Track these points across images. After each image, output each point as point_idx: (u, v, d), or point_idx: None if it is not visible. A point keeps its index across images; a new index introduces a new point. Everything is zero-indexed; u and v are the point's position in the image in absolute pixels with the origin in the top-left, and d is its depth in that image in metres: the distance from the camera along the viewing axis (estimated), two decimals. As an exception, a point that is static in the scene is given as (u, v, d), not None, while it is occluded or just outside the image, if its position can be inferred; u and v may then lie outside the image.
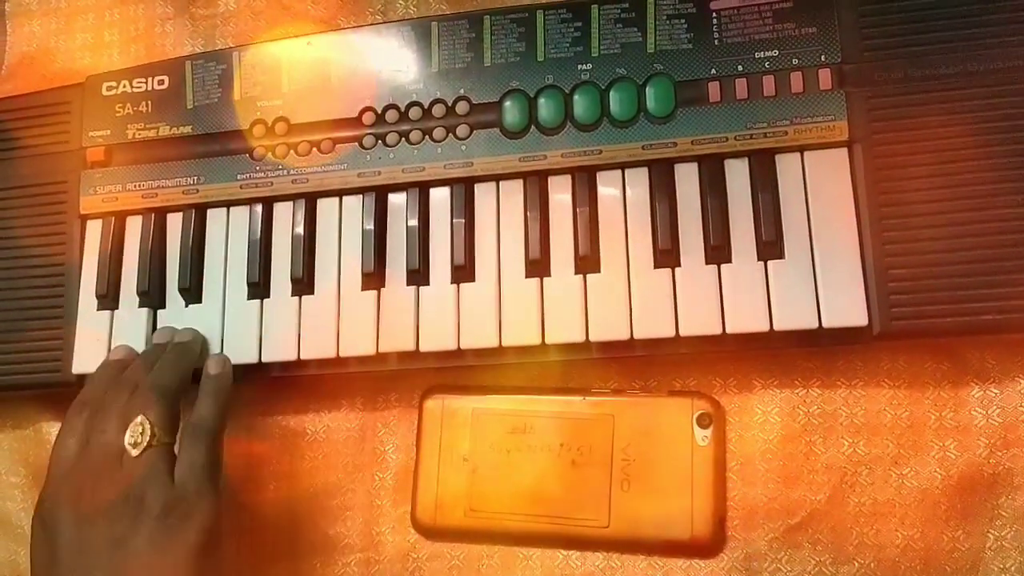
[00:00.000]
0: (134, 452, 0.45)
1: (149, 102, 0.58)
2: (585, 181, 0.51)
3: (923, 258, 0.46)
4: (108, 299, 0.56)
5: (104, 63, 0.65)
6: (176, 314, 0.55)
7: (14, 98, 0.62)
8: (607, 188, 0.51)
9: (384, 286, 0.53)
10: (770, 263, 0.48)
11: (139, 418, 0.46)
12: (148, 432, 0.45)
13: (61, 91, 0.60)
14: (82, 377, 0.56)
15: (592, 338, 0.49)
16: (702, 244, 0.49)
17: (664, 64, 0.51)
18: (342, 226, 0.54)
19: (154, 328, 0.55)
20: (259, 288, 0.54)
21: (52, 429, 0.60)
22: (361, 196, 0.54)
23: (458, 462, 0.53)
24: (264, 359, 0.53)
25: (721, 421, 0.51)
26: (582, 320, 0.49)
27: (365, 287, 0.53)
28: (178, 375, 0.50)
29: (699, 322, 0.48)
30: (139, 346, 0.54)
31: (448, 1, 0.60)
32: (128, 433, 0.46)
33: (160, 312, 0.55)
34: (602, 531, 0.51)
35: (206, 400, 0.49)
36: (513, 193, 0.52)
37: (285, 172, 0.55)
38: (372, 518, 0.54)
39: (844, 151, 0.48)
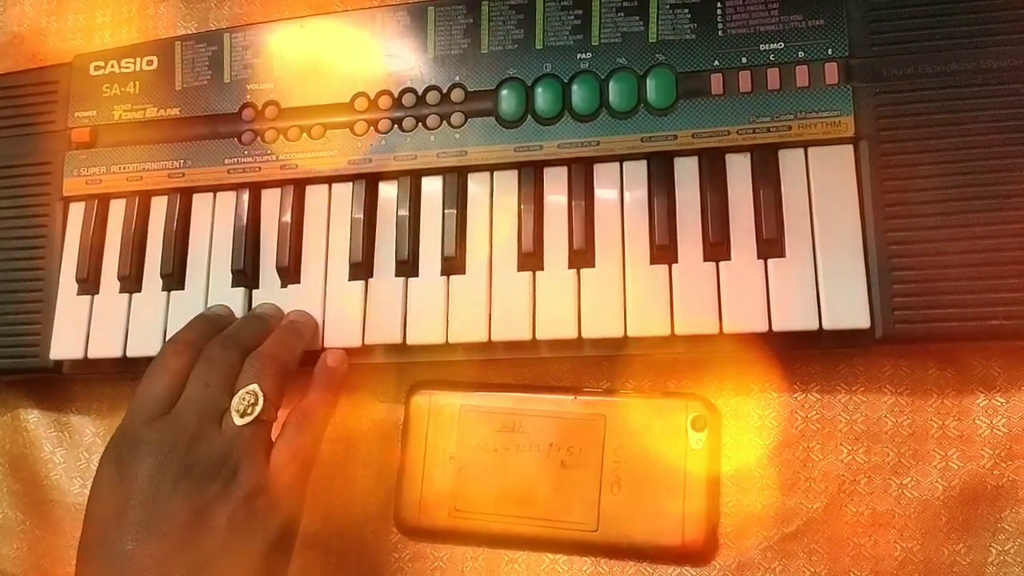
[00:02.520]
0: (239, 420, 0.42)
1: (137, 83, 0.56)
2: (581, 173, 0.49)
3: (929, 260, 0.45)
4: (89, 283, 0.54)
5: (96, 44, 0.64)
6: (158, 300, 0.53)
7: (0, 76, 0.60)
8: (604, 181, 0.49)
9: (372, 276, 0.51)
10: (770, 262, 0.46)
11: (253, 386, 0.43)
12: (260, 403, 0.42)
13: (48, 70, 0.59)
14: (60, 363, 0.54)
15: (585, 335, 0.47)
16: (700, 240, 0.47)
17: (666, 55, 0.49)
18: (331, 214, 0.53)
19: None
20: (244, 276, 0.52)
21: (29, 416, 0.59)
22: (351, 184, 0.52)
23: (444, 460, 0.51)
24: (248, 349, 0.51)
25: (716, 424, 0.49)
26: (575, 316, 0.48)
27: (352, 277, 0.51)
28: (294, 353, 0.47)
29: (696, 321, 0.46)
30: (121, 334, 0.53)
31: (446, -13, 0.59)
32: (238, 399, 0.43)
33: (141, 298, 0.54)
34: (590, 535, 0.49)
35: (320, 392, 0.47)
36: (507, 184, 0.51)
37: (274, 157, 0.53)
38: (354, 516, 0.53)
39: (850, 148, 0.47)
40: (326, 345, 0.50)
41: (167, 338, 0.52)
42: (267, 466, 0.42)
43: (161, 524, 0.40)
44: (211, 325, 0.48)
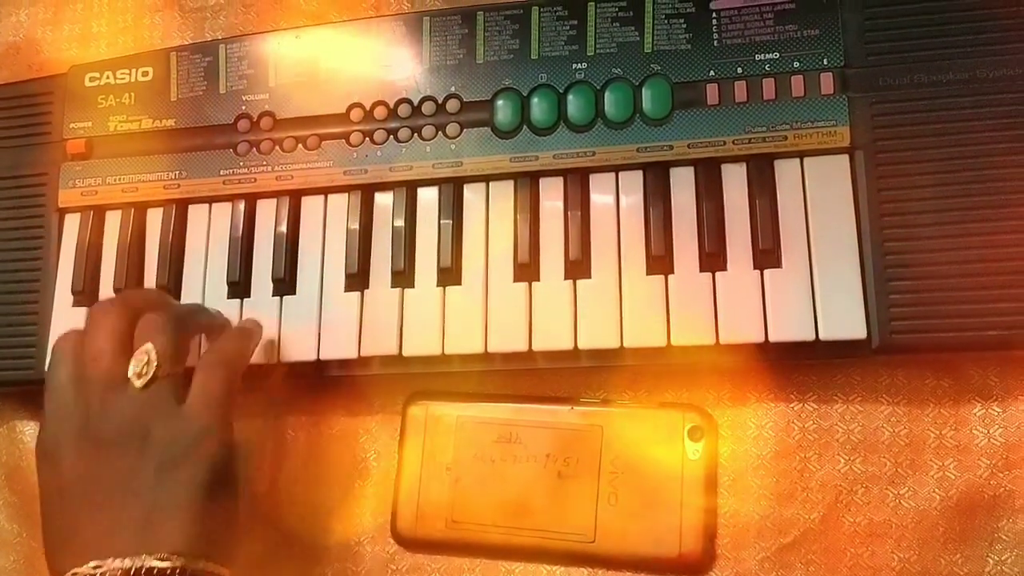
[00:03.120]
0: (138, 383, 0.42)
1: (132, 94, 0.56)
2: (577, 183, 0.49)
3: (925, 270, 0.45)
4: (84, 295, 0.54)
5: (92, 54, 0.64)
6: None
7: (-4, 87, 0.60)
8: (600, 191, 0.49)
9: (368, 288, 0.51)
10: (767, 272, 0.46)
11: (144, 347, 0.43)
12: (154, 362, 0.42)
13: (43, 81, 0.59)
14: (55, 375, 0.54)
15: (581, 346, 0.47)
16: (697, 251, 0.47)
17: (661, 65, 0.49)
18: (327, 225, 0.53)
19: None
20: (239, 287, 0.52)
21: (26, 428, 0.59)
22: (347, 195, 0.52)
23: (441, 471, 0.51)
24: (242, 360, 0.51)
25: (713, 435, 0.49)
26: (571, 327, 0.48)
27: (348, 288, 0.51)
28: (192, 314, 0.48)
29: (692, 331, 0.46)
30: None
31: (442, -3, 0.59)
32: (133, 363, 0.43)
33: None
34: (588, 546, 0.49)
35: (232, 335, 0.47)
36: (503, 194, 0.51)
37: (270, 168, 0.53)
38: (350, 527, 0.53)
39: (845, 158, 0.47)
40: (322, 357, 0.50)
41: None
42: (179, 417, 0.42)
43: (95, 499, 0.41)
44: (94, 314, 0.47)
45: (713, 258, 0.47)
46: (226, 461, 0.43)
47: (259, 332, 0.49)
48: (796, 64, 0.48)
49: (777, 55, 0.48)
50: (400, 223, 0.51)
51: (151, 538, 0.40)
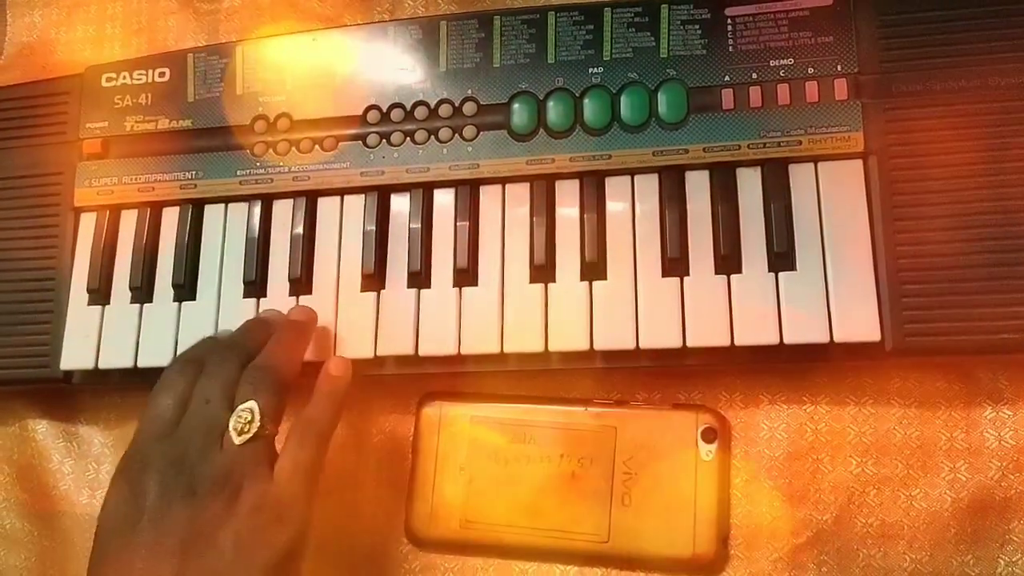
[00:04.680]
0: (237, 439, 0.42)
1: (149, 94, 0.57)
2: (593, 186, 0.50)
3: (938, 274, 0.45)
4: (99, 294, 0.54)
5: (105, 56, 0.64)
6: (168, 311, 0.53)
7: (11, 87, 0.61)
8: (616, 194, 0.50)
9: (384, 288, 0.51)
10: (781, 275, 0.47)
11: (249, 403, 0.42)
12: (257, 421, 0.42)
13: (59, 81, 0.59)
14: (70, 373, 0.54)
15: (597, 347, 0.48)
16: (712, 253, 0.48)
17: (677, 70, 0.50)
18: (343, 226, 0.53)
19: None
20: (255, 287, 0.53)
21: (38, 427, 0.59)
22: (363, 196, 0.53)
23: (455, 471, 0.51)
24: (258, 360, 0.51)
25: (726, 436, 0.49)
26: (587, 328, 0.48)
27: (364, 288, 0.51)
28: (292, 359, 0.47)
29: (707, 333, 0.47)
30: (131, 345, 0.53)
31: (457, 2, 0.59)
32: (235, 418, 0.42)
33: (152, 308, 0.54)
34: (601, 546, 0.49)
35: (322, 401, 0.46)
36: (519, 196, 0.51)
37: (286, 169, 0.53)
38: (364, 527, 0.53)
39: (859, 163, 0.47)
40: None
41: (178, 349, 0.52)
42: (270, 482, 0.42)
43: (167, 544, 0.40)
44: (218, 344, 0.48)
45: (728, 261, 0.47)
46: (303, 536, 0.42)
47: (346, 382, 0.47)
48: (810, 70, 0.48)
49: (792, 61, 0.49)
50: (416, 225, 0.51)
51: None
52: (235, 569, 0.40)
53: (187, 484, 0.41)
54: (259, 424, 0.42)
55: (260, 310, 0.52)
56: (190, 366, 0.45)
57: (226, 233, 0.54)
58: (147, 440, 0.43)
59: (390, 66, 0.54)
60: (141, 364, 0.53)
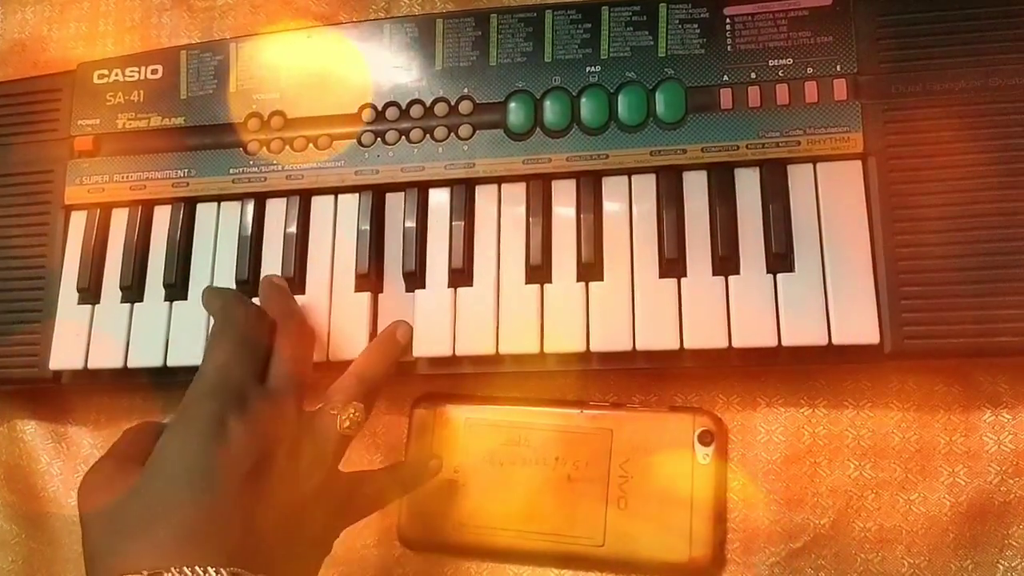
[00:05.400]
0: (342, 429, 0.43)
1: (141, 91, 0.56)
2: (590, 186, 0.49)
3: (937, 276, 0.45)
4: (89, 293, 0.54)
5: (97, 53, 0.64)
6: (159, 310, 0.53)
7: (2, 84, 0.60)
8: (613, 194, 0.49)
9: (378, 288, 0.51)
10: (779, 276, 0.46)
11: (358, 403, 0.44)
12: (358, 421, 0.44)
13: (51, 78, 0.58)
14: (59, 373, 0.54)
15: (593, 348, 0.47)
16: (709, 254, 0.47)
17: (675, 69, 0.50)
18: (337, 225, 0.52)
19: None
20: (248, 286, 0.52)
21: (26, 427, 0.58)
22: (358, 195, 0.52)
23: (448, 474, 0.51)
24: (250, 360, 0.50)
25: (723, 439, 0.49)
26: (583, 329, 0.47)
27: (359, 288, 0.51)
28: (384, 368, 0.48)
29: (705, 335, 0.46)
30: (122, 345, 0.52)
31: (453, 0, 0.59)
32: (346, 412, 0.43)
33: (143, 308, 0.53)
34: (596, 550, 0.49)
35: (375, 356, 0.48)
36: (515, 196, 0.50)
37: (280, 168, 0.53)
38: (357, 530, 0.52)
39: (858, 163, 0.47)
40: (330, 358, 0.50)
41: (169, 349, 0.52)
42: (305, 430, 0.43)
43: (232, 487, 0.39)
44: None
45: (726, 262, 0.47)
46: (329, 481, 0.43)
47: (403, 351, 0.49)
48: (809, 70, 0.48)
49: (791, 61, 0.48)
50: (411, 224, 0.51)
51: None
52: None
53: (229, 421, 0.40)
54: (358, 423, 0.44)
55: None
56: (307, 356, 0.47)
57: (218, 232, 0.54)
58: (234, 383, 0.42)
59: (386, 64, 0.53)
60: (131, 364, 0.52)
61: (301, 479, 0.41)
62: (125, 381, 0.53)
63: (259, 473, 0.39)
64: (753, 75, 0.49)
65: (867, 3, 0.48)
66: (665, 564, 0.48)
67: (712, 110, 0.49)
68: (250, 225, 0.53)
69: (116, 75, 0.57)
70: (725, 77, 0.49)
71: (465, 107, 0.52)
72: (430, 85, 0.52)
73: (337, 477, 0.44)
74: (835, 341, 0.45)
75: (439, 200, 0.51)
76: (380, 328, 0.50)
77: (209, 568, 0.35)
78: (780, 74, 0.48)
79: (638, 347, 0.47)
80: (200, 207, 0.54)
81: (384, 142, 0.52)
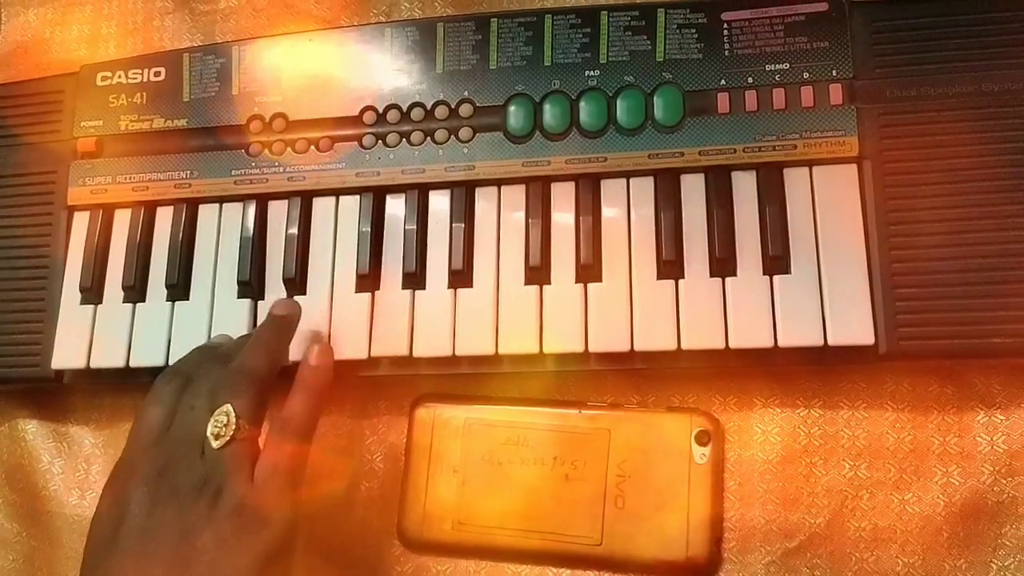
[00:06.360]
0: (216, 444, 0.41)
1: (144, 94, 0.56)
2: (589, 188, 0.50)
3: (932, 278, 0.45)
4: (92, 293, 0.54)
5: (100, 55, 0.64)
6: (161, 311, 0.53)
7: (5, 86, 0.61)
8: (611, 196, 0.50)
9: (379, 289, 0.51)
10: (776, 278, 0.47)
11: (225, 407, 0.42)
12: (233, 424, 0.42)
13: (54, 80, 0.59)
14: (61, 373, 0.54)
15: (591, 349, 0.48)
16: (707, 256, 0.48)
17: (673, 73, 0.50)
18: (338, 226, 0.53)
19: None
20: (250, 287, 0.52)
21: (28, 426, 0.58)
22: (359, 196, 0.53)
23: (448, 473, 0.51)
24: (252, 360, 0.51)
25: (720, 439, 0.50)
26: (582, 330, 0.48)
27: (359, 289, 0.51)
28: (272, 357, 0.46)
29: (702, 336, 0.47)
30: (123, 344, 0.53)
31: (453, 4, 0.59)
32: (212, 422, 0.42)
33: (145, 308, 0.54)
34: (594, 549, 0.49)
35: (300, 395, 0.45)
36: (515, 198, 0.51)
37: (281, 169, 0.53)
38: (356, 529, 0.53)
39: (854, 167, 0.47)
40: (332, 357, 0.50)
41: (171, 349, 0.52)
42: (250, 484, 0.41)
43: (152, 548, 0.40)
44: (207, 354, 0.48)
45: (723, 264, 0.47)
46: (287, 535, 0.42)
47: (327, 372, 0.47)
48: (806, 75, 0.49)
49: (787, 66, 0.49)
50: (412, 226, 0.51)
51: None
52: (218, 571, 0.39)
53: (169, 489, 0.41)
54: (235, 427, 0.42)
55: (254, 311, 0.52)
56: (178, 376, 0.45)
57: (220, 233, 0.54)
58: (135, 449, 0.43)
59: (386, 67, 0.54)
60: (133, 364, 0.53)
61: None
62: (127, 381, 0.54)
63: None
64: (750, 80, 0.49)
65: (863, 9, 0.49)
66: (662, 563, 0.48)
67: (709, 114, 0.49)
68: (252, 226, 0.53)
69: (119, 77, 0.57)
70: (722, 81, 0.49)
71: (465, 110, 0.52)
72: (431, 88, 0.53)
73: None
74: (831, 342, 0.45)
75: (439, 202, 0.52)
76: (380, 328, 0.50)
77: None
78: (777, 79, 0.49)
79: (636, 348, 0.47)
80: (202, 208, 0.55)
81: (385, 144, 0.52)
